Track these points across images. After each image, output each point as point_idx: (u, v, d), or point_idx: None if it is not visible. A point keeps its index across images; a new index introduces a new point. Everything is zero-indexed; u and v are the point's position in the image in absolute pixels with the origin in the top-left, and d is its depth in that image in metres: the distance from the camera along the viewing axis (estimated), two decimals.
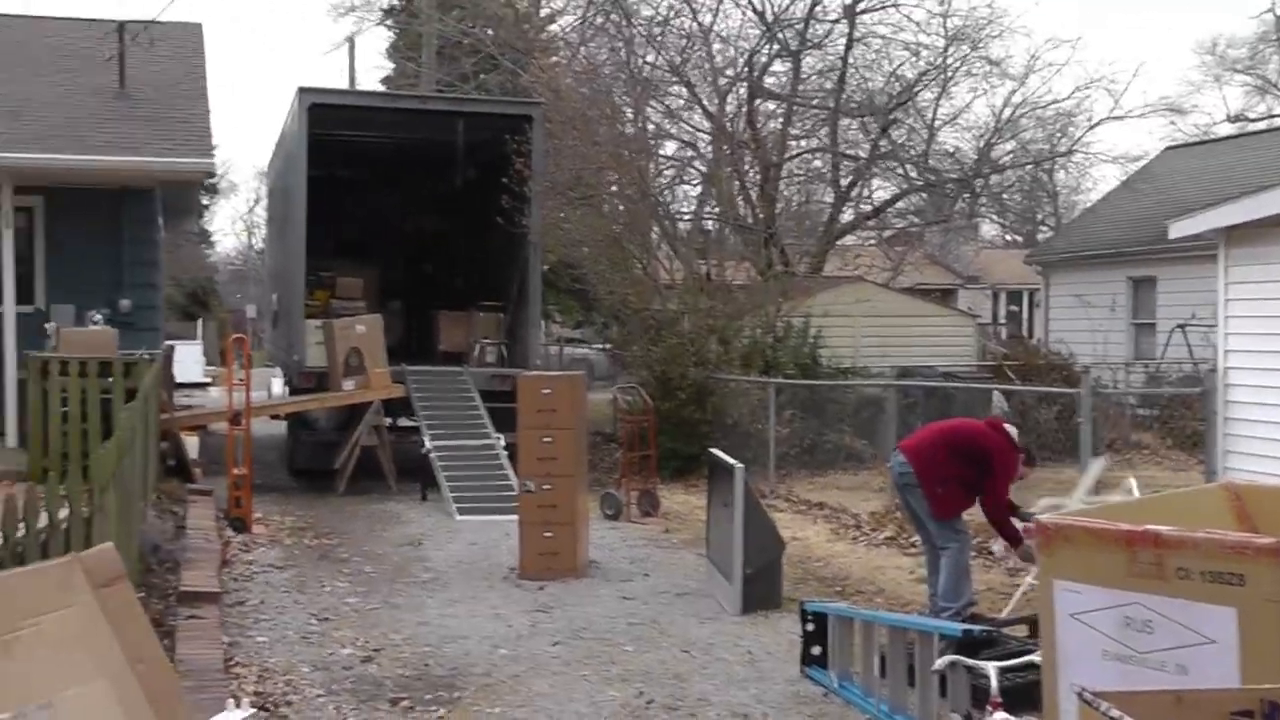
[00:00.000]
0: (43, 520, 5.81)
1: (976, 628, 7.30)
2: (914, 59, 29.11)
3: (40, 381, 14.75)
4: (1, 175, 16.76)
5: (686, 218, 25.61)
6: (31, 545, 5.56)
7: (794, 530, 14.29)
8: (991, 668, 5.78)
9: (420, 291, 22.36)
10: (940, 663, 6.40)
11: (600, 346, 37.59)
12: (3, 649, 4.48)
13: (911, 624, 7.81)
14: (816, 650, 8.65)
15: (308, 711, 8.03)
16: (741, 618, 10.48)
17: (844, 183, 28.84)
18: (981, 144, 31.73)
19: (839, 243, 28.95)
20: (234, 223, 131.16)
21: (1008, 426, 10.17)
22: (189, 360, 35.42)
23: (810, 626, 8.67)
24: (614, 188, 22.50)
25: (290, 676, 8.74)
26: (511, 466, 16.39)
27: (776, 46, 27.36)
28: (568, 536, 12.47)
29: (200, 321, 54.05)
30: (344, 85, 35.76)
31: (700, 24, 26.28)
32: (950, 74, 28.95)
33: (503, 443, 17.24)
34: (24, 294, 17.59)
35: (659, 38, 26.02)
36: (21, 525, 5.49)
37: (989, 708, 5.67)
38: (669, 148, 26.59)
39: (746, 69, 26.50)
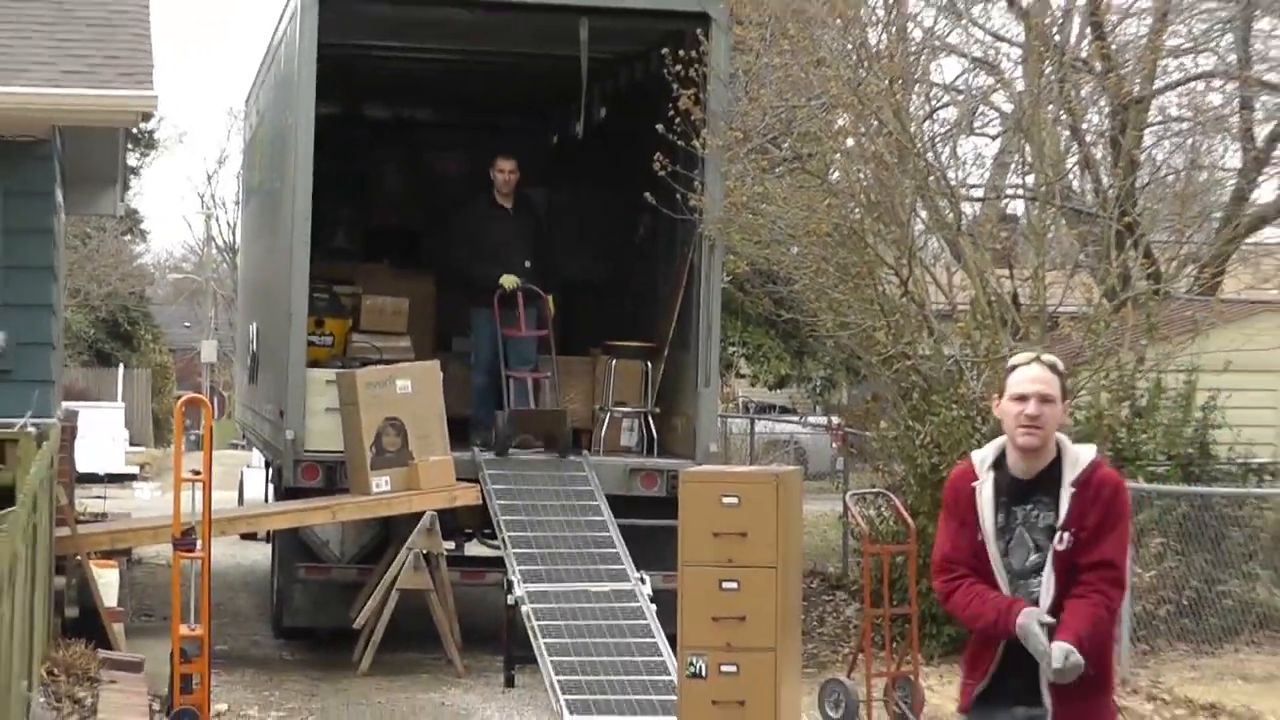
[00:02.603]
0: None
1: None
2: None
3: None
4: None
5: (977, 194, 25.52)
6: None
7: None
8: None
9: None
10: None
11: (821, 421, 37.68)
12: None
13: None
14: None
15: None
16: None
17: (1261, 132, 28.64)
18: None
19: (1252, 240, 28.70)
20: (182, 199, 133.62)
21: None
22: (103, 435, 36.14)
23: None
24: (850, 140, 22.50)
25: None
26: (662, 628, 16.49)
27: None
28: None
29: (122, 369, 55.07)
30: None
31: None
32: None
33: (649, 590, 17.34)
34: None
35: None
36: None
37: None
38: (948, 69, 26.59)
39: None
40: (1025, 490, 7.36)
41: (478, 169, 23.46)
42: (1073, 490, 7.22)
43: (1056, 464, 7.33)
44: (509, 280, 19.31)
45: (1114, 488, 7.34)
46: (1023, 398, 7.23)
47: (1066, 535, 7.18)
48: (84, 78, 18.51)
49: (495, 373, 19.31)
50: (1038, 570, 7.26)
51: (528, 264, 19.17)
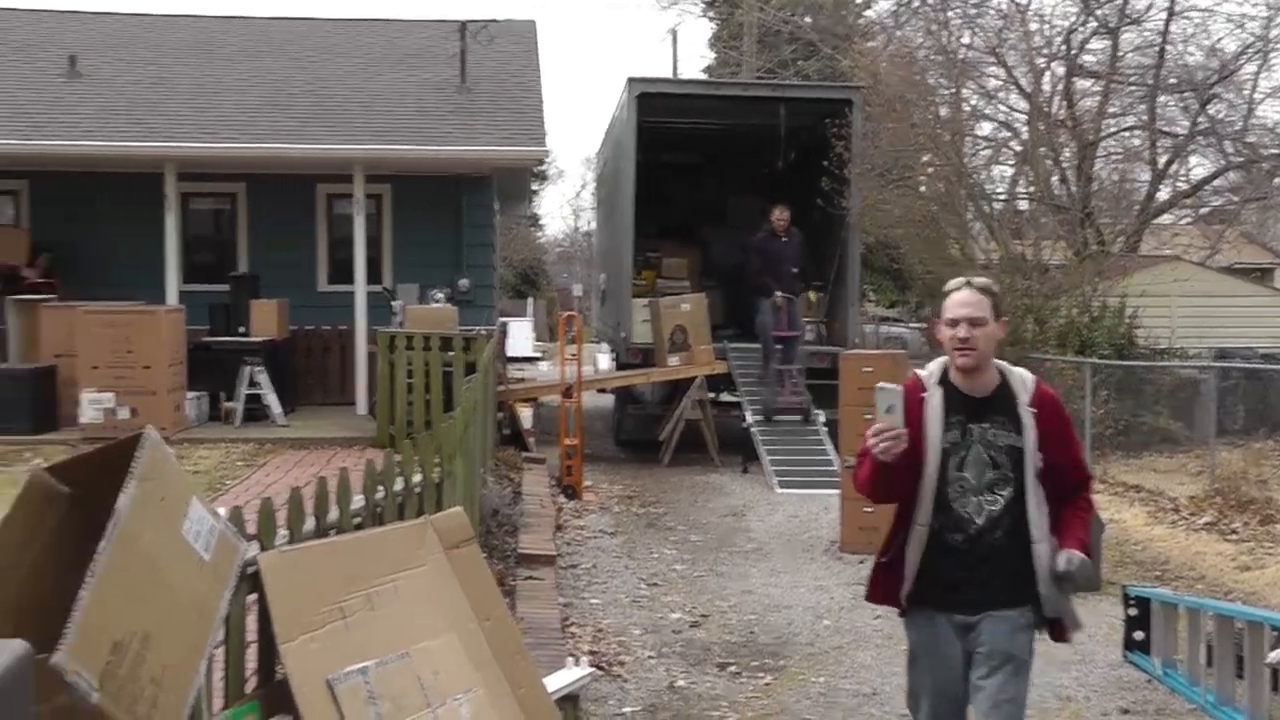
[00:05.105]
0: (398, 484, 5.97)
1: None
2: (1236, 30, 27.98)
3: (388, 355, 15.29)
4: (354, 165, 17.45)
5: (1001, 198, 24.98)
6: (389, 507, 5.73)
7: (1111, 512, 13.79)
8: None
9: (742, 271, 22.35)
10: (1273, 656, 6.03)
11: (914, 325, 37.13)
12: (366, 601, 4.61)
13: (1240, 613, 7.36)
14: (1139, 635, 8.28)
15: (640, 672, 8.09)
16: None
17: (1161, 160, 27.76)
18: None
19: (1155, 221, 27.88)
20: (561, 207, 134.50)
21: None
22: (520, 336, 36.35)
23: (1133, 611, 8.31)
24: (930, 169, 22.10)
25: (622, 638, 8.83)
26: (831, 442, 16.28)
27: (1094, 23, 26.41)
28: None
29: (530, 299, 55.46)
30: (667, 75, 35.99)
31: (1017, 3, 25.60)
32: (1273, 45, 27.59)
33: (823, 418, 17.11)
34: (373, 274, 18.34)
35: (975, 19, 25.47)
36: (380, 488, 5.64)
37: None
38: (984, 128, 25.98)
39: (1064, 47, 25.65)
40: (980, 409, 4.83)
41: (723, 187, 23.37)
42: (1034, 412, 4.78)
43: (1006, 385, 4.87)
44: (779, 298, 18.22)
45: (1060, 403, 4.96)
46: (955, 322, 4.81)
47: (1040, 455, 4.76)
48: (508, 142, 18.52)
49: (769, 342, 18.08)
50: (995, 486, 4.76)
51: (794, 270, 18.39)
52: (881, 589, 5.10)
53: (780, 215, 18.15)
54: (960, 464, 4.81)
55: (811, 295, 19.49)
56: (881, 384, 4.75)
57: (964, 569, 4.80)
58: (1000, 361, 4.93)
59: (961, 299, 4.85)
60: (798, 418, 17.64)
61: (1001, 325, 4.86)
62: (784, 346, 17.98)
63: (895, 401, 4.65)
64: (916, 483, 4.86)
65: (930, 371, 4.97)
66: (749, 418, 17.36)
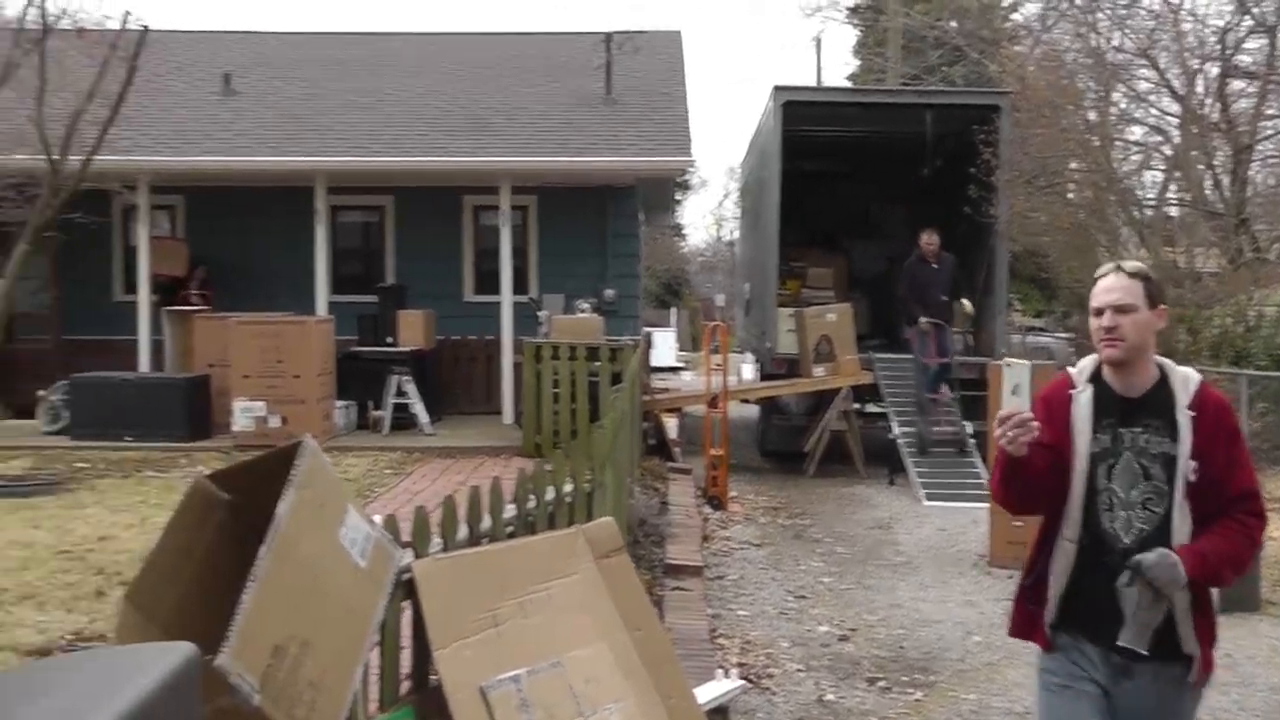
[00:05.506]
0: (548, 493, 5.99)
1: None
2: None
3: (534, 364, 15.45)
4: (501, 177, 17.63)
5: (1152, 203, 24.49)
6: (541, 516, 5.75)
7: (1270, 530, 13.36)
8: None
9: (887, 280, 22.09)
10: None
11: (1061, 335, 36.58)
12: (518, 608, 4.63)
13: None
14: None
15: (789, 685, 8.02)
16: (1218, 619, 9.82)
17: None
18: None
19: None
20: (704, 216, 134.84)
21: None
22: (663, 346, 36.42)
23: None
24: (1078, 175, 21.75)
25: (770, 650, 8.77)
26: (980, 454, 16.05)
27: (1250, 22, 25.77)
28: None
29: (673, 309, 55.54)
30: (812, 83, 35.85)
31: (1169, 3, 25.08)
32: None
33: (970, 430, 16.87)
34: (519, 285, 18.51)
35: (1125, 20, 25.00)
36: (531, 497, 5.67)
37: None
38: (1135, 132, 25.50)
39: (1218, 47, 25.08)
40: (1132, 411, 4.16)
41: (869, 195, 23.21)
42: (1192, 415, 4.09)
43: (1164, 385, 4.18)
44: (924, 323, 17.66)
45: (1226, 408, 4.18)
46: (1100, 310, 4.17)
47: (1194, 465, 4.06)
48: (653, 152, 18.57)
49: (919, 371, 17.55)
50: (1147, 502, 4.11)
51: (944, 298, 17.88)
52: (1024, 619, 4.52)
53: (929, 240, 17.62)
54: (1109, 473, 4.18)
55: (967, 304, 18.63)
56: (1008, 359, 4.21)
57: (1114, 594, 4.10)
58: (1163, 359, 4.27)
59: (1108, 284, 4.21)
60: (952, 450, 17.04)
61: (1159, 314, 4.20)
62: (935, 374, 17.55)
63: (1022, 380, 4.08)
64: (1063, 492, 4.26)
65: (1081, 368, 4.35)
66: (895, 429, 17.17)
